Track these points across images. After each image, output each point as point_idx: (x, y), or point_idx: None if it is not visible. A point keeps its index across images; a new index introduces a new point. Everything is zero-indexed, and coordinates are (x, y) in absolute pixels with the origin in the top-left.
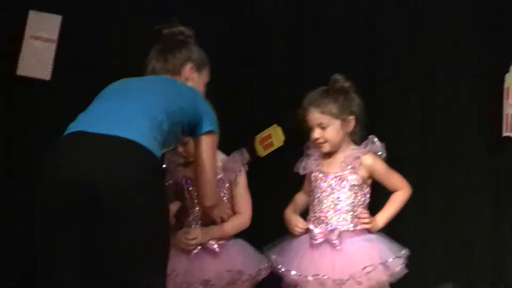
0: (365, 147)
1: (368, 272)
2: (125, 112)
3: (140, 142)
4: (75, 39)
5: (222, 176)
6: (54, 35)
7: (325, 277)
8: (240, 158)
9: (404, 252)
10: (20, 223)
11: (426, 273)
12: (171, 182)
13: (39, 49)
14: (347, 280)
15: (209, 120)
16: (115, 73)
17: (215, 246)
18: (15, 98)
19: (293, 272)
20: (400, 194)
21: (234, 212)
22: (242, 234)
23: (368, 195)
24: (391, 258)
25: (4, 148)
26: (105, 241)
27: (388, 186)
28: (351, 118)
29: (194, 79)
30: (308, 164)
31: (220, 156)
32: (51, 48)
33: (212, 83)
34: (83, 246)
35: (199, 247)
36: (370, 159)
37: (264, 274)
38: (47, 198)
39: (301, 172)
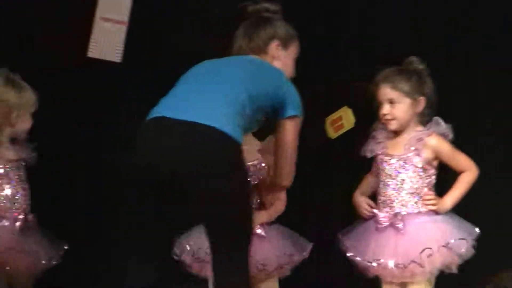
0: (429, 128)
1: (429, 256)
2: (209, 97)
3: (222, 129)
4: (145, 20)
5: (260, 161)
6: (125, 16)
7: (386, 261)
8: None
9: (474, 232)
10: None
11: (501, 256)
12: None
13: (109, 31)
14: (409, 264)
15: (294, 104)
16: (186, 54)
17: (261, 231)
18: (86, 80)
19: (358, 258)
20: (468, 175)
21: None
22: (314, 218)
23: (434, 177)
24: (454, 239)
25: (76, 129)
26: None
27: (455, 167)
28: (422, 99)
29: (281, 56)
30: (374, 147)
31: (255, 141)
32: (122, 30)
33: None
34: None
35: None
36: (435, 140)
37: (305, 257)
38: (132, 182)
39: (368, 155)
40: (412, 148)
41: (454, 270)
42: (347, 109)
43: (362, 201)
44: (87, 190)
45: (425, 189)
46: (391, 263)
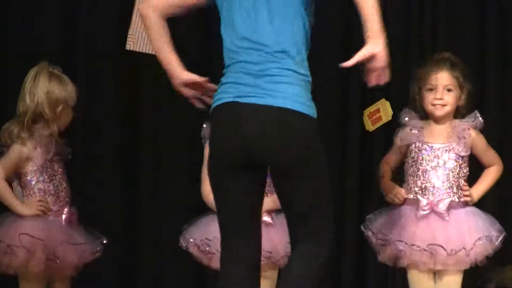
0: (472, 120)
1: (477, 245)
2: (274, 71)
3: (298, 110)
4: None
5: None
6: None
7: (438, 247)
8: None
9: (499, 226)
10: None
11: None
12: None
13: None
14: (459, 251)
15: None
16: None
17: (269, 218)
18: (123, 72)
19: (397, 244)
20: (494, 169)
21: None
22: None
23: (468, 168)
24: (494, 232)
25: (115, 122)
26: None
27: (484, 161)
28: (466, 92)
29: None
30: (409, 135)
31: None
32: None
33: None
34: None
35: None
36: (474, 133)
37: None
38: (218, 167)
39: (399, 143)
40: (458, 138)
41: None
42: (385, 102)
43: (395, 188)
44: (121, 186)
45: (462, 179)
46: (442, 249)
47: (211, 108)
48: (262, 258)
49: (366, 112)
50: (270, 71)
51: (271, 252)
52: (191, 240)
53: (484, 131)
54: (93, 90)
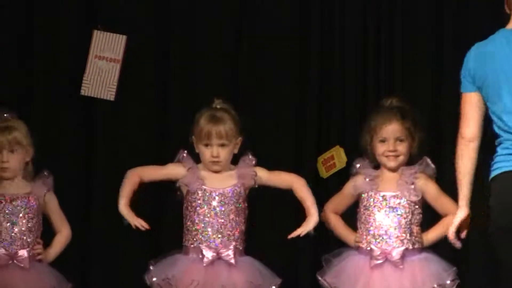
0: (419, 167)
1: None
2: None
3: None
4: (139, 59)
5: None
6: (119, 55)
7: None
8: (250, 161)
9: (454, 269)
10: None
11: None
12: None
13: (103, 69)
14: None
15: None
16: (178, 93)
17: (232, 258)
18: (79, 118)
19: None
20: (449, 218)
21: None
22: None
23: (421, 215)
24: (449, 279)
25: (70, 167)
26: None
27: (438, 209)
28: (418, 139)
29: None
30: (363, 184)
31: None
32: (116, 68)
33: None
34: None
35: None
36: (424, 178)
37: None
38: (500, 231)
39: (353, 191)
40: (406, 183)
41: None
42: (339, 148)
43: (352, 234)
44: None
45: (415, 226)
46: None
47: (490, 178)
48: None
49: (320, 159)
50: None
51: None
52: (154, 279)
53: (443, 178)
54: (48, 135)
